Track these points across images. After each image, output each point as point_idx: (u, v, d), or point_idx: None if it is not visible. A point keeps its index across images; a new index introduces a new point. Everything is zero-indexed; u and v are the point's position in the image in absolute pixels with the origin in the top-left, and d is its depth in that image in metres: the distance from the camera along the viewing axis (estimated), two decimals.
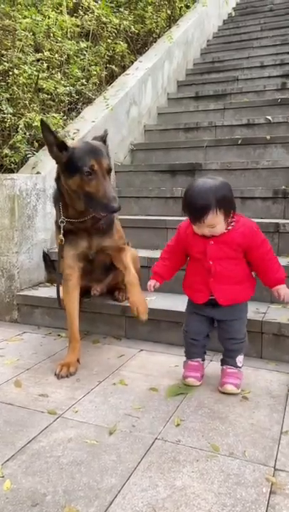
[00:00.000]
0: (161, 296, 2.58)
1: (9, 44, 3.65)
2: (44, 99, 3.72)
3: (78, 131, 3.50)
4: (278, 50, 5.76)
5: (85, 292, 2.48)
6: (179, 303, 2.43)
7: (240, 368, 1.86)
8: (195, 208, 1.66)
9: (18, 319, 2.81)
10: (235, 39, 6.62)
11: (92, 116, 3.77)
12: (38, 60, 3.84)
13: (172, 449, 1.45)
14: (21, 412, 1.69)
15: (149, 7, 5.60)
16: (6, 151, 3.18)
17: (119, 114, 4.10)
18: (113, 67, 4.72)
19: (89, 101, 4.10)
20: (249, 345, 1.99)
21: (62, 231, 2.10)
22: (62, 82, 3.89)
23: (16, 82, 3.42)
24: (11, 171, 3.18)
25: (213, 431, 1.55)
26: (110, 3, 5.17)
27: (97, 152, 1.94)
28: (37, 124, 3.15)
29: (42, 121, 1.98)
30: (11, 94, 3.40)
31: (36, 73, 3.63)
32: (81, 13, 4.73)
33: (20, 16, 3.93)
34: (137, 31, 5.32)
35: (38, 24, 4.01)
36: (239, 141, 3.91)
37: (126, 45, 4.97)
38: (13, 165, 3.21)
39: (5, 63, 3.47)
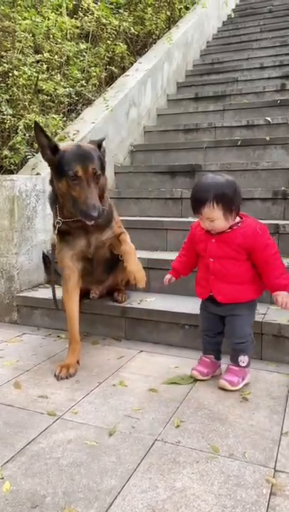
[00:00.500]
0: (161, 297, 2.58)
1: (9, 45, 3.66)
2: (44, 100, 3.73)
3: (78, 133, 3.50)
4: (278, 52, 5.77)
5: (84, 294, 2.47)
6: (179, 304, 2.44)
7: (243, 367, 1.86)
8: (194, 198, 1.76)
9: (17, 320, 2.80)
10: (234, 40, 6.63)
11: (91, 117, 3.77)
12: (37, 62, 3.85)
13: (172, 450, 1.45)
14: (21, 414, 1.69)
15: (149, 8, 5.62)
16: (6, 152, 3.18)
17: (118, 116, 4.10)
18: (113, 68, 4.74)
19: (89, 102, 4.11)
20: None
21: (56, 231, 2.12)
22: (62, 83, 3.90)
23: (15, 84, 3.43)
24: (11, 172, 3.18)
25: (213, 432, 1.55)
26: (110, 4, 5.18)
27: (85, 157, 1.92)
28: None
29: (36, 123, 1.98)
30: (10, 96, 3.41)
31: (36, 74, 3.63)
32: (81, 14, 4.74)
33: (20, 18, 3.94)
34: (136, 33, 5.33)
35: (37, 25, 4.02)
36: (239, 142, 3.91)
37: (125, 46, 4.99)
38: (12, 166, 3.22)
39: (5, 64, 3.48)
